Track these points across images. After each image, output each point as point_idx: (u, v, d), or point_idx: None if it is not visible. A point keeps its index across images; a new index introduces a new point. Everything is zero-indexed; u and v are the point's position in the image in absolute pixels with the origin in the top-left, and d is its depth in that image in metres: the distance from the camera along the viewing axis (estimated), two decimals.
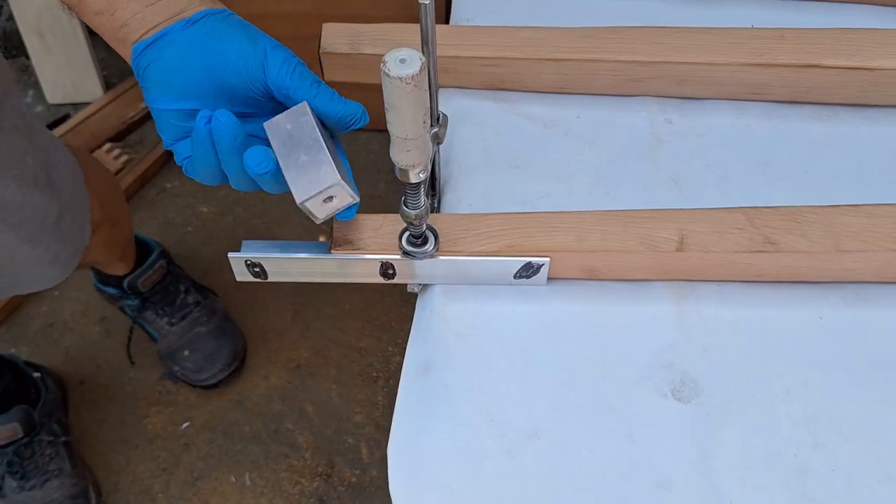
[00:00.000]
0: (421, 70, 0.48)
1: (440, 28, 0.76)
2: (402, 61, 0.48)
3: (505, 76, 0.75)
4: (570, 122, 0.75)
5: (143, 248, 1.52)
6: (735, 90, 0.75)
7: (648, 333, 0.64)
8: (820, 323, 0.64)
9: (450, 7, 0.86)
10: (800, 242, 0.62)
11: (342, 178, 0.54)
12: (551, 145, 0.73)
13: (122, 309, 1.56)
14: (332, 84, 0.78)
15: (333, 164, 0.54)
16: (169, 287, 1.53)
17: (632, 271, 0.65)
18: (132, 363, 1.58)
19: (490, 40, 0.74)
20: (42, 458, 1.39)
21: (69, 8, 0.59)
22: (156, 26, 0.57)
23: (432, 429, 0.60)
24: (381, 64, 0.47)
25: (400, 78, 0.47)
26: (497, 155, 0.73)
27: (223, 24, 0.57)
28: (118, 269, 1.47)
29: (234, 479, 1.47)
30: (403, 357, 1.57)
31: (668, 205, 0.69)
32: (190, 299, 1.55)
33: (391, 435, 0.61)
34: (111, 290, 1.51)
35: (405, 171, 0.54)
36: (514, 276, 0.64)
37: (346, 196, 0.55)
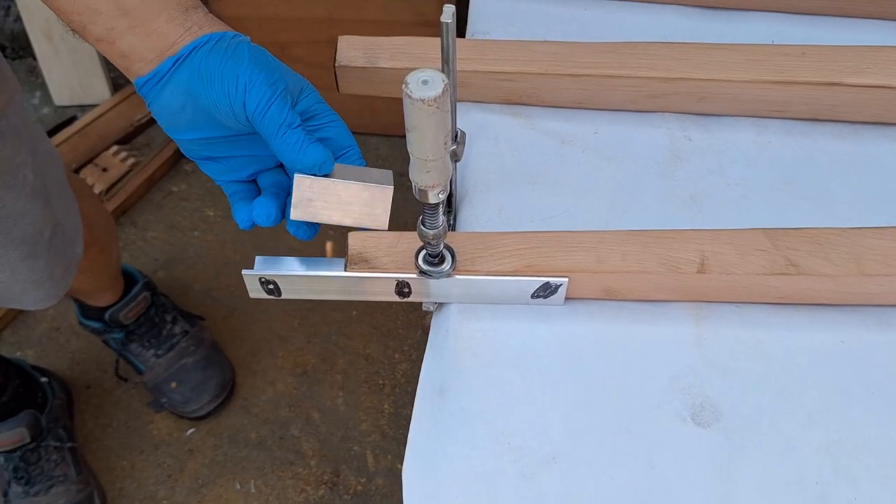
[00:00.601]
0: (444, 92, 0.47)
1: (457, 42, 0.76)
2: (424, 82, 0.47)
3: (522, 91, 0.74)
4: (588, 138, 0.74)
5: (127, 280, 1.49)
6: (756, 107, 0.74)
7: (667, 355, 0.63)
8: (842, 347, 0.63)
9: (464, 20, 0.85)
10: (822, 265, 0.61)
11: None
12: (569, 161, 0.73)
13: (106, 342, 1.54)
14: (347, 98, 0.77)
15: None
16: (154, 318, 1.51)
17: (651, 292, 0.64)
18: (125, 380, 1.57)
19: (508, 55, 0.73)
20: (48, 464, 1.38)
21: (73, 31, 0.58)
22: (150, 61, 0.57)
23: (448, 452, 0.59)
24: (403, 85, 0.46)
25: (422, 100, 0.46)
26: (513, 171, 0.72)
27: (209, 58, 0.56)
28: (104, 300, 1.45)
29: (239, 487, 1.47)
30: (410, 364, 1.57)
31: (687, 223, 0.68)
32: (177, 329, 1.53)
33: (406, 457, 0.60)
34: (94, 324, 1.49)
35: (424, 192, 0.53)
36: (532, 296, 0.63)
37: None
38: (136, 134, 1.90)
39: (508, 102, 0.75)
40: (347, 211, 0.60)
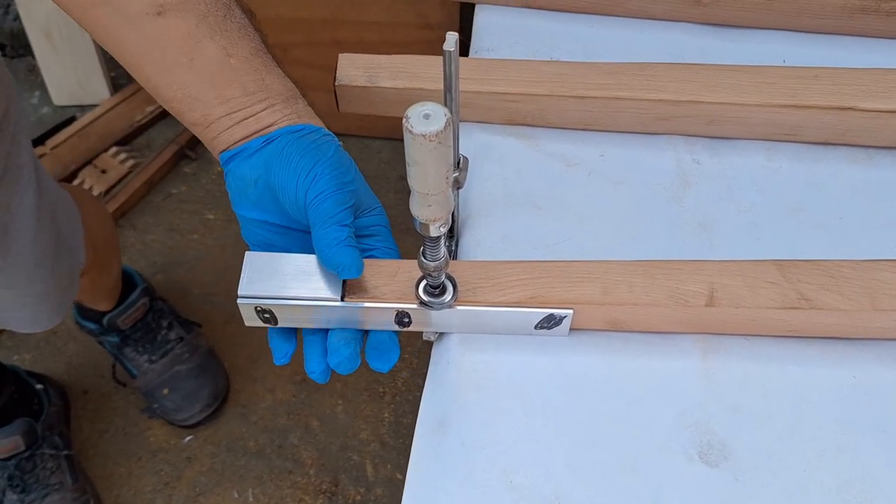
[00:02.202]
0: (446, 126, 0.45)
1: (461, 61, 0.74)
2: (425, 117, 0.45)
3: (527, 112, 0.72)
4: (594, 161, 0.72)
5: (127, 282, 1.48)
6: (766, 131, 0.72)
7: (674, 390, 0.61)
8: (854, 382, 0.61)
9: (464, 45, 0.83)
10: (835, 299, 0.59)
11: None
12: (574, 185, 0.71)
13: (101, 344, 1.53)
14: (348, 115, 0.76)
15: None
16: (151, 324, 1.50)
17: (658, 324, 0.62)
18: (122, 385, 1.55)
19: (512, 75, 0.71)
20: (43, 472, 1.37)
21: (173, 113, 0.60)
22: (240, 140, 0.58)
23: (448, 489, 0.57)
24: (404, 119, 0.45)
25: (424, 135, 0.44)
26: (518, 194, 0.70)
27: (293, 145, 0.57)
28: (102, 306, 1.44)
29: (236, 495, 1.45)
30: (411, 372, 1.56)
31: (696, 251, 0.67)
32: (172, 335, 1.52)
33: (405, 493, 0.58)
34: (91, 326, 1.48)
35: (426, 226, 0.52)
36: (535, 327, 0.62)
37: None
38: (136, 135, 1.89)
39: (512, 123, 0.74)
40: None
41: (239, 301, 0.60)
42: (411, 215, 0.52)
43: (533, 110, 0.72)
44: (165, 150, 1.83)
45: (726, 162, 0.72)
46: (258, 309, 0.61)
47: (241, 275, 0.60)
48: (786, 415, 0.60)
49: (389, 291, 0.60)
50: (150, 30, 0.57)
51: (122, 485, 1.47)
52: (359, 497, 1.45)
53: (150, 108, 1.88)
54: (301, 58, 1.74)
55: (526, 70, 0.71)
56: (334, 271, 0.57)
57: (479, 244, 0.67)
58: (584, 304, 0.60)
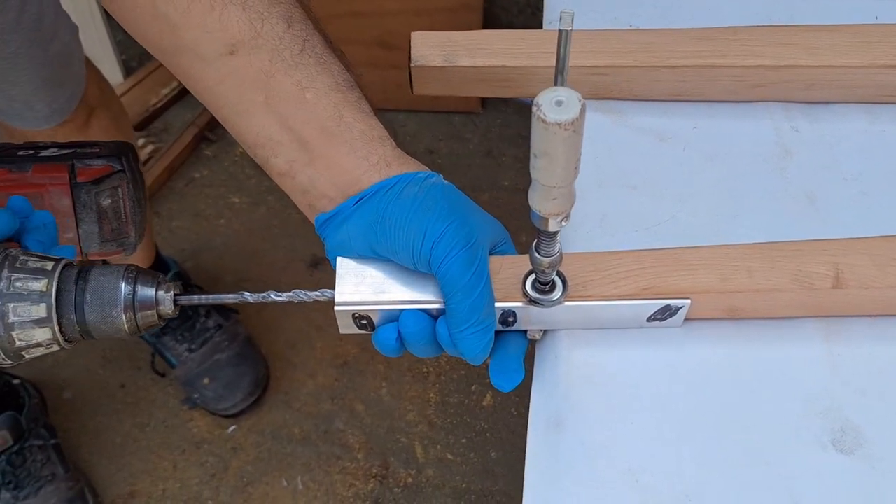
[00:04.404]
0: (581, 113, 0.41)
1: (539, 33, 0.70)
2: (558, 103, 0.41)
3: (613, 85, 0.68)
4: (688, 134, 0.68)
5: (160, 269, 1.45)
6: (867, 93, 0.68)
7: (798, 377, 0.58)
8: None
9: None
10: None
11: None
12: (669, 161, 0.67)
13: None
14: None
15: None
16: (188, 311, 1.47)
17: (779, 310, 0.58)
18: (162, 375, 1.52)
19: (597, 47, 0.67)
20: (34, 465, 1.35)
21: (261, 165, 0.58)
22: (332, 199, 0.56)
23: (570, 492, 0.54)
24: (534, 107, 0.41)
25: (559, 124, 0.41)
26: (611, 174, 0.66)
27: (397, 204, 0.53)
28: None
29: (285, 483, 1.43)
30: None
31: (805, 225, 0.63)
32: (210, 323, 1.49)
33: (525, 497, 0.55)
34: None
35: (545, 220, 0.48)
36: (648, 319, 0.58)
37: None
38: (153, 119, 1.84)
39: (597, 97, 0.69)
40: None
41: (336, 309, 0.56)
42: (529, 208, 0.48)
43: (620, 83, 0.68)
44: (185, 134, 1.78)
45: (826, 128, 0.68)
46: (356, 316, 0.57)
47: (336, 282, 0.57)
48: None
49: (493, 290, 0.57)
50: (225, 70, 0.54)
51: (168, 478, 1.45)
52: (410, 479, 1.42)
53: (165, 91, 1.83)
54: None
55: (611, 40, 0.67)
56: (460, 356, 0.55)
57: (576, 230, 0.63)
58: (701, 293, 0.56)
